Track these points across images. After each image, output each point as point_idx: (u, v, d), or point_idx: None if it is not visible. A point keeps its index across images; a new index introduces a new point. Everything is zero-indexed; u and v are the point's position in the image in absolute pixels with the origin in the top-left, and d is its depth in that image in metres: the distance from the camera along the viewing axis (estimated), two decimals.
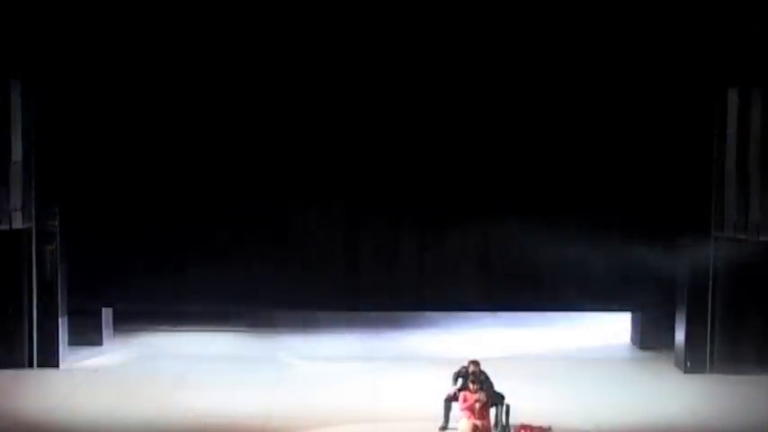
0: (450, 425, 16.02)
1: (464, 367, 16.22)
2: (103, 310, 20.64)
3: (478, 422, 15.40)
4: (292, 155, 19.71)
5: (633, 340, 21.30)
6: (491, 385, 15.99)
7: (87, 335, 20.20)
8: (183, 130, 19.69)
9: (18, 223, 18.50)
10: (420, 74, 19.62)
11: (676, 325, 19.48)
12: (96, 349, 20.26)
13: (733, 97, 18.44)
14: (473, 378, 15.83)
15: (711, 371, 19.03)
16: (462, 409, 15.61)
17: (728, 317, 19.06)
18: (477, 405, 15.47)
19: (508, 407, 15.83)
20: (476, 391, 15.60)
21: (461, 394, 15.80)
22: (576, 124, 19.80)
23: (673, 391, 18.19)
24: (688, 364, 19.13)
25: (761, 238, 18.19)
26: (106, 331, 20.82)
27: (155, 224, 19.77)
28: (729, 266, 18.93)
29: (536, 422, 16.03)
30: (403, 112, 19.75)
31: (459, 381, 16.12)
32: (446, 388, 16.33)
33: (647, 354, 20.46)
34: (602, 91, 19.71)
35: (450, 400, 16.12)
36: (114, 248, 19.72)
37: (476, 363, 16.13)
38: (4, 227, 18.30)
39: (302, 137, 19.73)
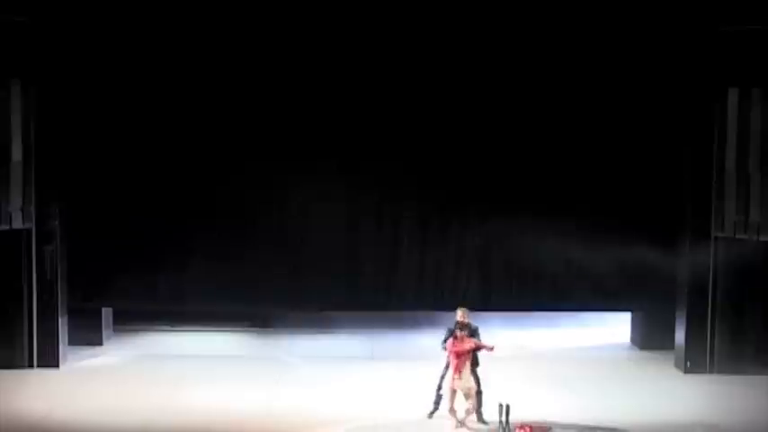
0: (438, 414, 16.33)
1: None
2: (103, 310, 20.65)
3: (458, 384, 15.80)
4: (292, 156, 19.69)
5: (633, 340, 21.30)
6: (478, 337, 16.37)
7: (87, 335, 20.20)
8: (183, 130, 19.68)
9: (18, 223, 18.51)
10: (421, 77, 19.61)
11: (676, 325, 19.48)
12: (96, 349, 20.26)
13: (733, 97, 18.45)
14: (460, 325, 16.19)
15: (711, 371, 19.03)
16: (450, 353, 15.97)
17: (728, 317, 19.06)
18: (464, 348, 15.91)
19: (508, 407, 15.82)
20: (462, 338, 15.94)
21: (449, 341, 16.13)
22: (576, 124, 19.79)
23: (673, 391, 18.20)
24: (688, 364, 19.13)
25: (761, 238, 18.21)
26: (106, 331, 20.83)
27: (155, 224, 19.75)
28: (729, 266, 18.93)
29: (536, 422, 16.04)
30: (403, 112, 19.73)
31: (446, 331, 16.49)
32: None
33: (647, 354, 20.45)
34: (602, 91, 19.70)
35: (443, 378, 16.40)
36: (114, 248, 19.70)
37: (463, 309, 16.47)
38: (4, 227, 18.31)
39: (301, 137, 19.71)
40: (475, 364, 16.25)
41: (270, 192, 19.81)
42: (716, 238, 18.85)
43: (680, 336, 19.36)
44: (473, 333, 16.40)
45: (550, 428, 15.93)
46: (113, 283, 19.84)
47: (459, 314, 16.53)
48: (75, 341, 19.74)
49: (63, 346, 19.23)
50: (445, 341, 16.40)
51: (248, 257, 19.87)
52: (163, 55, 19.49)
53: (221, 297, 19.98)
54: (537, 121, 19.79)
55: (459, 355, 16.05)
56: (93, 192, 19.71)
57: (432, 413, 16.52)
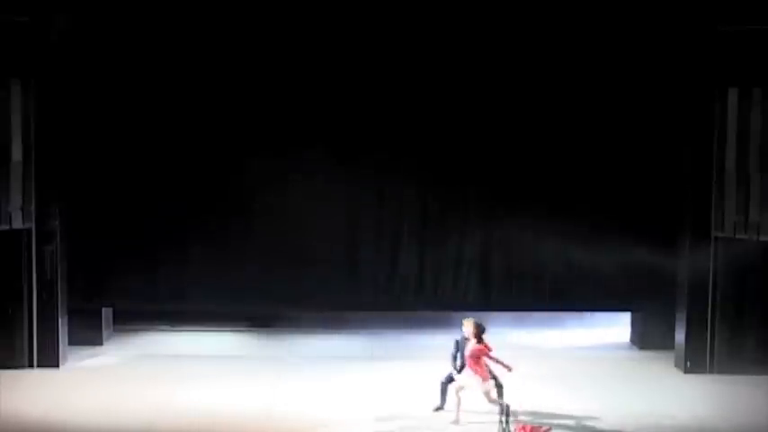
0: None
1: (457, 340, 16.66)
2: (103, 310, 20.65)
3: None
4: (292, 156, 19.69)
5: (633, 340, 21.29)
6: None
7: (87, 335, 20.20)
8: (182, 130, 19.69)
9: (18, 223, 18.51)
10: (422, 80, 19.61)
11: (676, 325, 19.48)
12: (96, 349, 20.26)
13: (733, 97, 18.46)
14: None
15: (711, 371, 19.04)
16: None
17: (728, 317, 19.05)
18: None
19: (508, 407, 15.82)
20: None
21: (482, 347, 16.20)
22: (576, 124, 19.80)
23: (673, 391, 18.20)
24: (688, 364, 19.12)
25: (761, 238, 18.21)
26: (106, 331, 20.83)
27: (154, 224, 19.76)
28: (729, 266, 18.93)
29: (536, 422, 16.04)
30: (404, 113, 19.74)
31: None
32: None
33: (647, 354, 20.45)
34: (602, 91, 19.71)
35: (449, 381, 16.51)
36: (114, 248, 19.72)
37: (470, 321, 16.47)
38: (4, 227, 18.31)
39: (301, 138, 19.72)
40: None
41: (270, 192, 19.79)
42: (716, 238, 18.85)
43: (680, 336, 19.36)
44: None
45: (550, 429, 15.93)
46: (113, 283, 19.84)
47: (468, 328, 16.49)
48: (75, 341, 19.73)
49: (63, 346, 19.22)
50: (455, 356, 16.55)
51: (248, 257, 19.88)
52: (162, 54, 19.49)
53: (221, 297, 19.99)
54: (537, 121, 19.80)
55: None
56: (93, 192, 19.71)
57: (439, 408, 16.61)
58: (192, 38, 19.44)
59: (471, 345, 16.17)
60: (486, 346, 16.17)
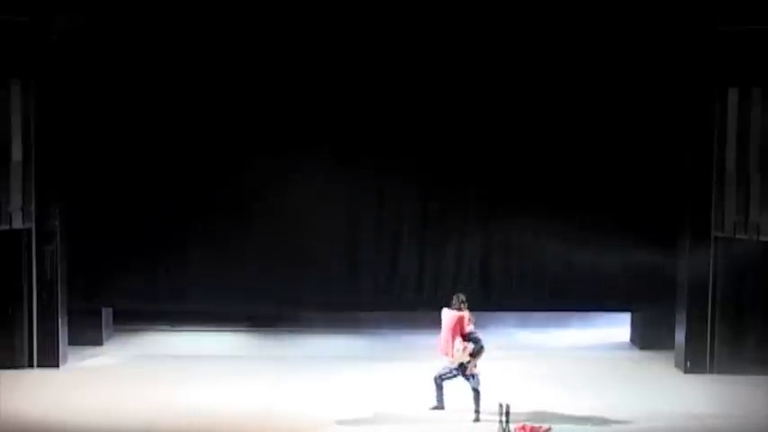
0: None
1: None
2: (103, 310, 20.65)
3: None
4: (291, 156, 19.70)
5: (633, 340, 21.30)
6: None
7: (87, 335, 20.20)
8: (182, 130, 19.70)
9: (18, 223, 18.51)
10: (421, 80, 19.63)
11: (676, 325, 19.49)
12: (96, 349, 20.27)
13: (733, 97, 18.47)
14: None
15: (711, 371, 19.04)
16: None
17: (728, 317, 19.06)
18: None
19: (508, 407, 15.80)
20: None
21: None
22: (576, 124, 19.81)
23: (673, 391, 18.20)
24: (688, 364, 19.13)
25: (761, 238, 18.22)
26: (106, 331, 20.83)
27: (154, 224, 19.77)
28: (729, 266, 18.94)
29: (535, 422, 16.04)
30: (404, 114, 19.76)
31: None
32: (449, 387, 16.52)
33: (647, 354, 20.45)
34: (601, 91, 19.72)
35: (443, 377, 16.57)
36: (114, 248, 19.72)
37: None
38: (4, 227, 18.31)
39: (300, 137, 19.73)
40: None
41: (270, 192, 19.81)
42: (716, 238, 18.86)
43: (680, 336, 19.36)
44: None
45: (550, 428, 15.92)
46: (113, 283, 19.84)
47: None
48: (75, 341, 19.74)
49: (63, 346, 19.22)
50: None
51: (248, 257, 19.89)
52: (162, 54, 19.51)
53: (221, 297, 19.99)
54: (537, 122, 19.81)
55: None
56: (93, 192, 19.71)
57: (436, 407, 16.63)
58: (192, 38, 19.46)
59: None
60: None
